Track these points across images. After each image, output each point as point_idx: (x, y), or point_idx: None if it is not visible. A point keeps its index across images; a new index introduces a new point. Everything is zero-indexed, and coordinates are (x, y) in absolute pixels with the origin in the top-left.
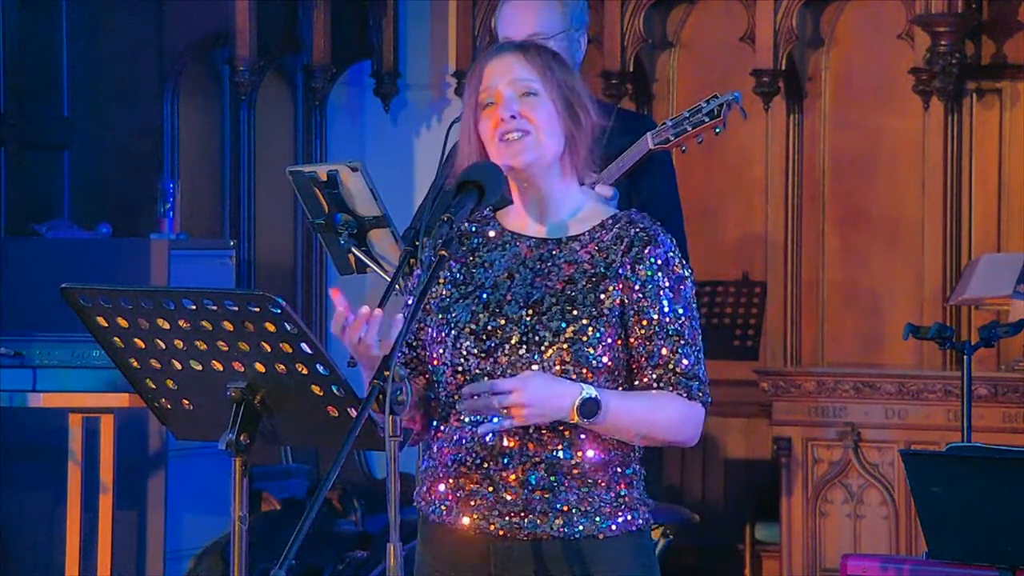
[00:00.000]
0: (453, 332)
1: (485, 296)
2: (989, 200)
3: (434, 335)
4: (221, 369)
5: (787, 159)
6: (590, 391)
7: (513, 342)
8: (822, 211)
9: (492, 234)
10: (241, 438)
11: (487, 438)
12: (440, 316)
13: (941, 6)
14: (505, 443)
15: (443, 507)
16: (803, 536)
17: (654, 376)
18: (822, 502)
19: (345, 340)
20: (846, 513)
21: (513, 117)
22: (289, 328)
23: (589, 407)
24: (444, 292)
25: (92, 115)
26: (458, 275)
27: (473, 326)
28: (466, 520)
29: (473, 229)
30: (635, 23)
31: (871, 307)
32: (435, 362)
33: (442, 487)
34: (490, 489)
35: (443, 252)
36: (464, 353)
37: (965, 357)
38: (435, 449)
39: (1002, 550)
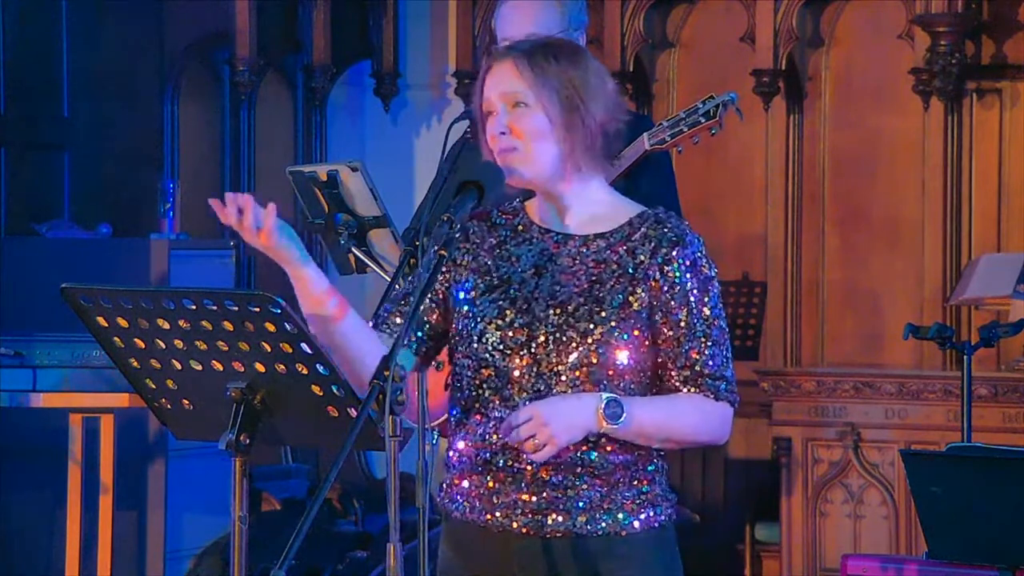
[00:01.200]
0: (479, 326)
1: (513, 292)
2: (989, 200)
3: (459, 328)
4: (221, 369)
5: (787, 159)
6: (609, 395)
7: (540, 341)
8: (822, 211)
9: (520, 227)
10: (241, 438)
11: (531, 455)
12: (465, 309)
13: (941, 6)
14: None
15: (466, 504)
16: (803, 536)
17: (681, 378)
18: (822, 502)
19: (241, 233)
20: (846, 513)
21: (503, 134)
22: (289, 328)
23: (614, 408)
24: (462, 279)
25: (92, 115)
26: (480, 265)
27: (499, 322)
28: (489, 518)
29: (502, 221)
30: (635, 23)
31: (871, 307)
32: (459, 356)
33: (466, 484)
34: (512, 487)
35: (443, 252)
36: (489, 348)
37: (965, 357)
38: (459, 444)
39: (1002, 550)
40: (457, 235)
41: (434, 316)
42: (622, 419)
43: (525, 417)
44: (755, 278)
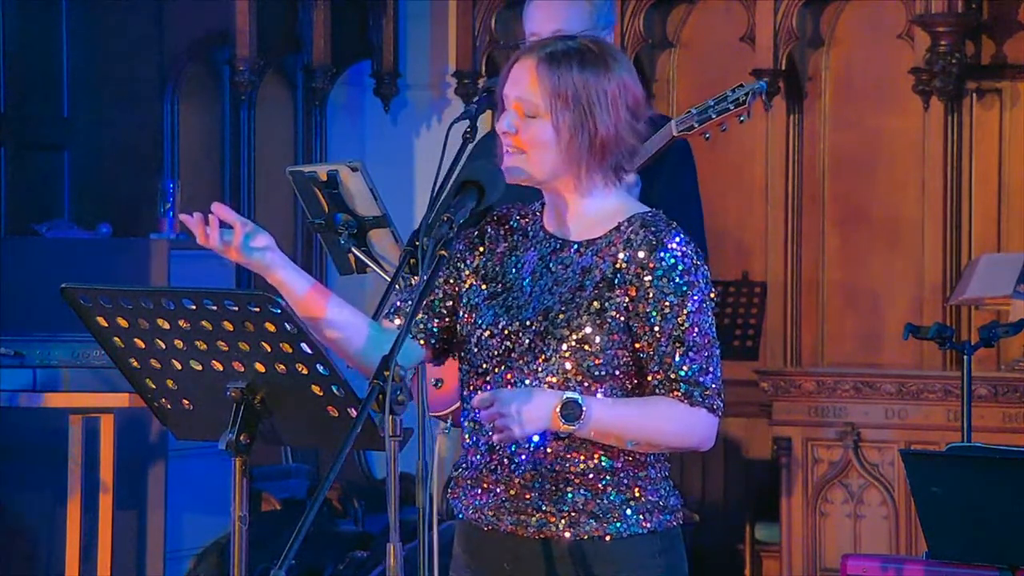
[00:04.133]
0: (476, 332)
1: (510, 299)
2: (989, 200)
3: (463, 332)
4: (221, 369)
5: (787, 159)
6: (572, 395)
7: (524, 348)
8: (822, 211)
9: (530, 232)
10: (241, 438)
11: (505, 446)
12: (470, 315)
13: (941, 6)
14: (515, 447)
15: (463, 503)
16: (803, 536)
17: (655, 382)
18: (822, 502)
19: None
20: (846, 513)
21: (506, 133)
22: (289, 328)
23: (571, 409)
24: (470, 283)
25: (92, 115)
26: (489, 270)
27: (493, 329)
28: (482, 517)
29: (518, 225)
30: (635, 23)
31: (871, 307)
32: (461, 360)
33: (467, 485)
34: (501, 488)
35: (443, 252)
36: (483, 354)
37: (965, 357)
38: (465, 447)
39: (1002, 550)
40: (475, 233)
41: (449, 304)
42: (579, 420)
43: (485, 402)
44: (755, 278)
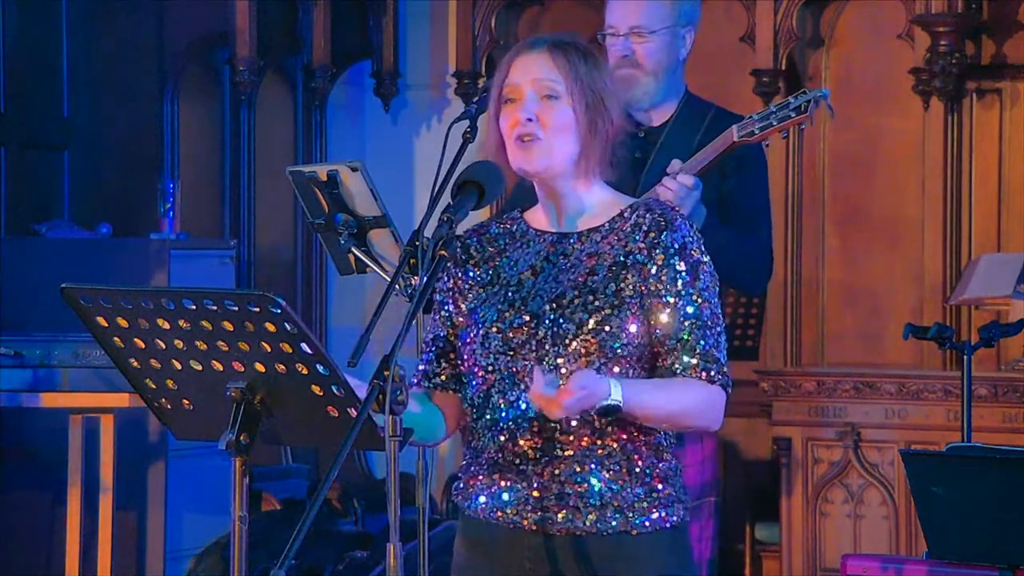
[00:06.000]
0: (481, 331)
1: (510, 294)
2: (989, 200)
3: (464, 337)
4: (221, 369)
5: (787, 159)
6: (614, 397)
7: (539, 337)
8: (822, 211)
9: (518, 233)
10: (241, 438)
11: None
12: (469, 318)
13: (941, 6)
14: (534, 441)
15: (478, 502)
16: (803, 536)
17: (671, 360)
18: (822, 502)
19: None
20: (846, 513)
21: (530, 120)
22: (289, 328)
23: (606, 406)
24: (471, 295)
25: (92, 115)
26: (484, 276)
27: (500, 324)
28: (500, 515)
29: (500, 231)
30: None
31: (871, 307)
32: (465, 365)
33: (478, 483)
34: (523, 485)
35: (443, 252)
36: (493, 352)
37: (965, 357)
38: (472, 447)
39: (1002, 550)
40: (459, 250)
41: (452, 355)
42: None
43: (576, 387)
44: None
